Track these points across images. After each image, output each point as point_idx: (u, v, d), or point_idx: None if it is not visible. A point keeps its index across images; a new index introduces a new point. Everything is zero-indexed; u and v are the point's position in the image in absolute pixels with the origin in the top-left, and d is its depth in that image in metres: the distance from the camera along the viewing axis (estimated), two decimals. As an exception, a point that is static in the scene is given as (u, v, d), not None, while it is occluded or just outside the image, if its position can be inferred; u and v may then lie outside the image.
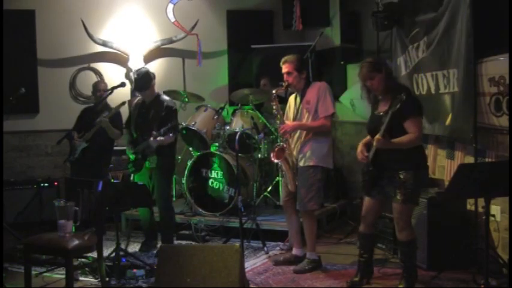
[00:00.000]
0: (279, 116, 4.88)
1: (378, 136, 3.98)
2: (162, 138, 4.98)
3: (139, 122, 5.30)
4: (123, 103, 5.71)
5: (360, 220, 4.49)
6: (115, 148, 6.18)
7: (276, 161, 4.86)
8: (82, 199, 5.78)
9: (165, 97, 5.33)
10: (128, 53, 7.23)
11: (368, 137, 4.32)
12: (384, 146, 3.98)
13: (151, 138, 5.00)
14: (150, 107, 5.27)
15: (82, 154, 5.89)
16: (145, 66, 6.47)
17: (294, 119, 4.87)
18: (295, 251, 5.07)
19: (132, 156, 5.28)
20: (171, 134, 5.07)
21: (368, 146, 4.25)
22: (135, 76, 5.33)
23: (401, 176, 4.05)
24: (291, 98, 5.02)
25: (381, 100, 4.24)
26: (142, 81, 5.24)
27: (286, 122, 4.88)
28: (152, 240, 5.50)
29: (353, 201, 6.37)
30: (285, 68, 4.80)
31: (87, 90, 6.94)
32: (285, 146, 4.81)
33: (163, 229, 5.39)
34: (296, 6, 6.75)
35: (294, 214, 4.98)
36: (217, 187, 6.08)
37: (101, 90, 6.12)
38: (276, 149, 4.85)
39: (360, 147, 4.31)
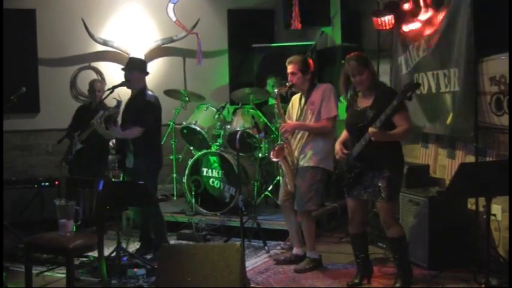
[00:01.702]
0: (280, 114, 4.88)
1: (372, 129, 3.95)
2: (119, 129, 4.78)
3: (123, 116, 5.18)
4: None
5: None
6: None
7: (275, 159, 4.87)
8: (83, 198, 5.79)
9: (149, 92, 5.17)
10: (129, 52, 7.23)
11: (344, 135, 4.37)
12: (380, 138, 3.97)
13: (113, 127, 4.85)
14: (133, 100, 5.17)
15: (78, 155, 5.89)
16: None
17: (298, 119, 4.87)
18: (295, 251, 5.07)
19: (113, 152, 5.17)
20: (137, 127, 4.92)
21: (346, 144, 4.28)
22: (131, 56, 5.21)
23: (383, 175, 4.07)
24: (295, 98, 5.02)
25: (361, 96, 4.25)
26: (135, 63, 5.17)
27: (288, 121, 4.88)
28: (145, 248, 5.33)
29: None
30: (289, 69, 4.82)
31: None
32: (285, 145, 4.82)
33: (154, 234, 5.29)
34: (294, 5, 6.74)
35: (293, 214, 4.98)
36: (218, 186, 6.08)
37: (96, 89, 6.12)
38: (276, 148, 4.86)
39: (338, 146, 4.34)
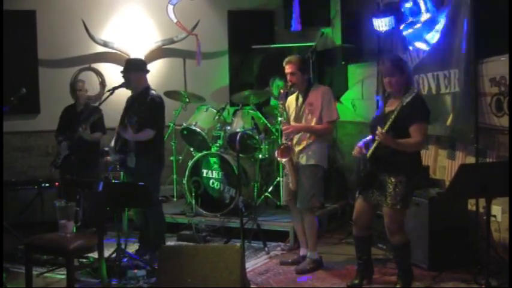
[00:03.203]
0: (284, 113, 4.91)
1: (379, 130, 3.90)
2: (131, 132, 4.76)
3: (124, 116, 5.13)
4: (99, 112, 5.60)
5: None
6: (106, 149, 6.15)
7: (283, 160, 4.86)
8: (83, 199, 5.78)
9: (153, 92, 5.15)
10: (129, 53, 7.24)
11: (369, 137, 4.30)
12: (386, 142, 3.92)
13: (121, 130, 4.82)
14: (135, 100, 5.13)
15: (66, 160, 5.88)
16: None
17: (296, 118, 4.89)
18: (302, 252, 5.08)
19: (113, 156, 5.08)
20: (149, 129, 4.91)
21: (366, 145, 4.22)
22: (128, 58, 5.18)
23: (393, 180, 4.01)
24: (290, 99, 5.04)
25: (392, 99, 4.16)
26: (131, 64, 5.15)
27: (292, 123, 4.90)
28: (145, 249, 5.29)
29: (354, 201, 6.36)
30: (288, 69, 4.83)
31: (88, 91, 6.93)
32: (289, 143, 4.84)
33: (154, 238, 5.26)
34: (295, 6, 6.74)
35: (299, 213, 4.99)
36: (218, 187, 6.08)
37: (77, 89, 6.13)
38: (282, 147, 4.86)
39: (358, 144, 4.27)
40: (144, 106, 4.98)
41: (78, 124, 5.57)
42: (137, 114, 4.90)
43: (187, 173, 6.14)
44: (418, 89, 4.09)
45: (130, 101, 5.23)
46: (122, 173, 5.31)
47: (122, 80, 5.18)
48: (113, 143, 5.13)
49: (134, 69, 5.14)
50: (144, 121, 4.92)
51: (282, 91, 4.94)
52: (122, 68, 5.23)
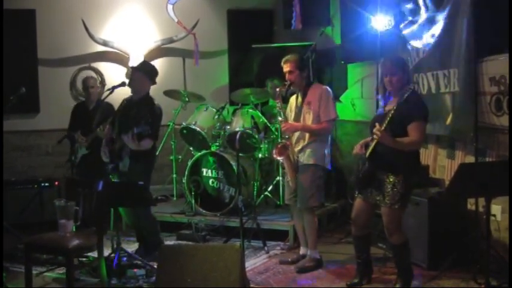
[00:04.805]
0: (281, 112, 4.91)
1: (377, 128, 3.89)
2: (134, 141, 4.81)
3: (122, 120, 5.11)
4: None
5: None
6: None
7: (279, 158, 4.87)
8: (83, 199, 5.77)
9: (154, 101, 5.14)
10: (129, 52, 7.24)
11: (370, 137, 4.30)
12: (384, 140, 3.91)
13: (126, 137, 4.86)
14: (135, 105, 5.11)
15: (83, 159, 5.89)
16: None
17: (296, 117, 4.90)
18: (302, 251, 5.08)
19: (106, 158, 5.08)
20: (149, 140, 4.93)
21: (366, 144, 4.22)
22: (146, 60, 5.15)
23: (391, 179, 4.01)
24: (292, 99, 5.04)
25: (392, 98, 4.15)
26: (142, 65, 5.16)
27: (290, 121, 4.90)
28: (144, 248, 5.28)
29: (353, 201, 6.35)
30: (286, 67, 4.84)
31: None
32: (287, 143, 4.84)
33: (146, 237, 5.26)
34: (296, 5, 6.74)
35: (300, 212, 4.99)
36: (217, 187, 6.08)
37: (89, 86, 6.14)
38: (279, 146, 4.87)
39: (360, 142, 4.27)
40: (145, 116, 4.92)
41: (95, 124, 5.61)
42: (144, 124, 4.86)
43: (186, 172, 6.14)
44: (414, 86, 4.06)
45: (128, 105, 5.18)
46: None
47: (122, 79, 5.18)
48: (104, 143, 5.12)
49: (145, 70, 5.15)
50: (147, 131, 4.89)
51: (277, 90, 4.95)
52: (121, 67, 5.23)
